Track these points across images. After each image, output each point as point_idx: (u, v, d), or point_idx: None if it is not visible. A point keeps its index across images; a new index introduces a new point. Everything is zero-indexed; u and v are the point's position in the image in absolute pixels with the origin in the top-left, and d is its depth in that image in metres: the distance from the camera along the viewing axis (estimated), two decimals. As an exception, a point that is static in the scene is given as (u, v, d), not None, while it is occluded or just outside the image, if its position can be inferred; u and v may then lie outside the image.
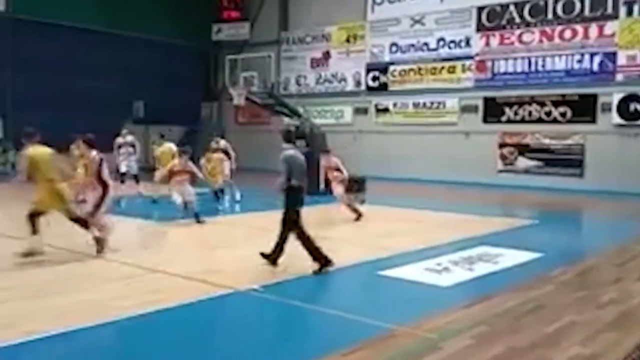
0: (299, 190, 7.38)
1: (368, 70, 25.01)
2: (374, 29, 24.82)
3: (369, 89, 24.96)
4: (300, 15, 27.41)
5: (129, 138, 15.24)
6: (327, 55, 26.48)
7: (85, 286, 6.74)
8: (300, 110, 19.70)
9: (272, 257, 7.42)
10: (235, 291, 6.51)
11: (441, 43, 22.96)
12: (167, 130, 24.78)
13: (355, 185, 13.71)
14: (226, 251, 8.91)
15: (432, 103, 23.15)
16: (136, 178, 15.02)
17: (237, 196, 14.99)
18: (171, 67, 27.14)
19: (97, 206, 8.47)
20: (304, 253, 7.34)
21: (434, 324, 5.45)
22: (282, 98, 20.59)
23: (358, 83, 25.45)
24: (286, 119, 21.17)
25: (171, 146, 14.06)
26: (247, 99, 19.32)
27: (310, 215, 7.28)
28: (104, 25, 24.81)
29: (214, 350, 4.93)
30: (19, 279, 6.98)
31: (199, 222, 11.05)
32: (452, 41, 22.65)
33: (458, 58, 22.55)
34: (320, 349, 4.82)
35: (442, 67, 22.92)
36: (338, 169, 12.50)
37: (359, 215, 12.16)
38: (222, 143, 15.19)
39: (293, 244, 7.40)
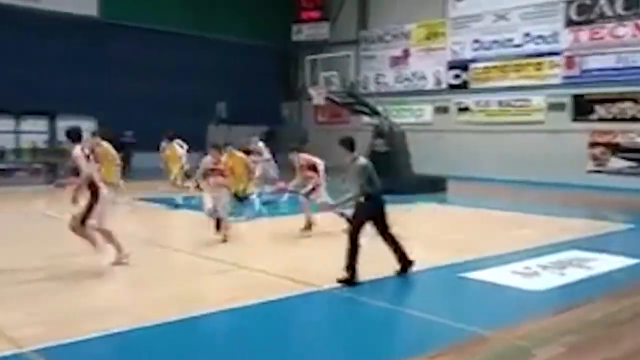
0: (375, 197, 7.02)
1: (449, 68, 24.57)
2: (455, 25, 24.35)
3: (451, 87, 24.52)
4: (380, 14, 27.29)
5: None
6: (406, 53, 26.23)
7: (174, 281, 7.02)
8: (380, 109, 19.61)
9: (351, 275, 6.81)
10: (320, 289, 6.56)
11: (526, 39, 22.21)
12: (253, 133, 25.42)
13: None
14: (303, 250, 8.97)
15: (516, 101, 22.43)
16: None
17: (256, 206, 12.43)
18: (252, 68, 27.72)
19: (88, 212, 7.09)
20: (386, 253, 7.25)
21: (525, 330, 5.25)
22: (362, 97, 20.57)
23: (438, 81, 25.04)
24: (365, 118, 21.13)
25: (175, 147, 13.94)
26: (326, 98, 19.43)
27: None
28: (188, 28, 25.67)
29: (299, 347, 4.98)
30: (108, 275, 7.23)
31: (218, 229, 9.45)
32: (538, 36, 21.85)
33: (545, 54, 21.73)
34: (406, 351, 4.77)
35: (528, 64, 22.16)
36: (312, 168, 10.41)
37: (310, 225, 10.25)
38: (260, 145, 14.75)
39: (371, 245, 7.28)
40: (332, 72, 20.05)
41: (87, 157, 7.24)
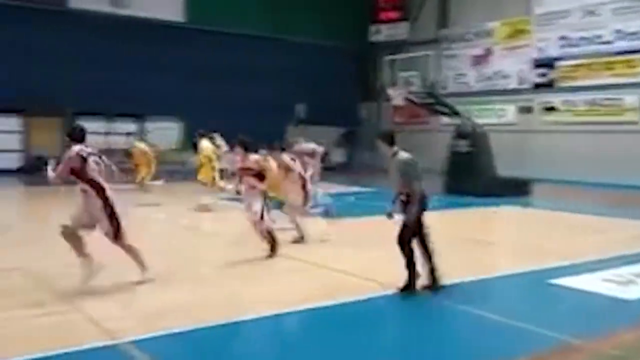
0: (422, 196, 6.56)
1: (535, 66, 23.75)
2: (541, 22, 23.51)
3: (536, 86, 23.70)
4: (461, 13, 26.78)
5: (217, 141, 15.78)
6: (488, 52, 25.59)
7: (255, 279, 7.14)
8: (461, 109, 19.21)
9: (412, 284, 6.54)
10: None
11: (618, 35, 21.13)
12: (299, 133, 25.61)
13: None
14: (380, 251, 8.82)
15: (607, 100, 21.39)
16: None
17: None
18: (330, 69, 27.90)
19: (111, 216, 6.54)
20: (469, 257, 7.07)
21: (619, 339, 5.00)
22: (442, 97, 20.23)
23: (522, 80, 24.26)
24: (445, 119, 20.77)
25: (202, 143, 13.57)
26: (405, 98, 19.24)
27: (467, 219, 6.91)
28: (268, 31, 26.17)
29: (377, 350, 4.94)
30: (185, 272, 7.45)
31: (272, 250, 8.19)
32: (632, 33, 20.73)
33: (638, 51, 20.60)
34: (491, 357, 4.65)
35: (619, 61, 21.08)
36: (288, 169, 9.50)
37: (301, 237, 9.37)
38: (312, 146, 12.54)
39: (455, 248, 7.14)
40: (412, 72, 19.84)
41: (84, 159, 6.28)
